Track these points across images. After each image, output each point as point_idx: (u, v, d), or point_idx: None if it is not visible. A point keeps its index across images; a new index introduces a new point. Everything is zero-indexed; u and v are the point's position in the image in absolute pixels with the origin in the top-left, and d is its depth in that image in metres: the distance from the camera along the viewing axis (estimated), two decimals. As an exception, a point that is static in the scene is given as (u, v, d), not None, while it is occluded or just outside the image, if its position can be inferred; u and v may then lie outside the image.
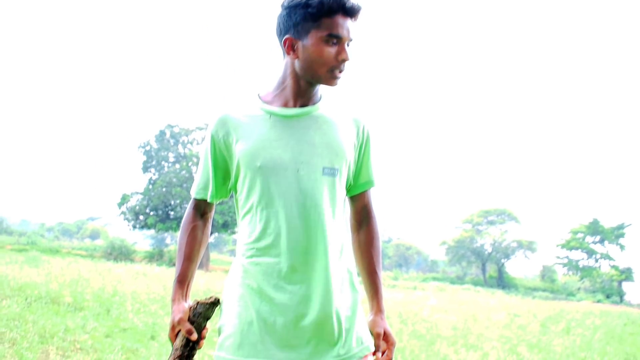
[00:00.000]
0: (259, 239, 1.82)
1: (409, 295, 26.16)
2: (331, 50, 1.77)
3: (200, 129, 47.53)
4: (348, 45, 1.80)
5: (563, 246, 64.54)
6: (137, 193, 47.00)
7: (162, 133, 47.59)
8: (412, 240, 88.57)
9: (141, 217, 46.07)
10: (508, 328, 13.76)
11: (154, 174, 47.36)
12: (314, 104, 1.89)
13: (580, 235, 63.91)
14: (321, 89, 1.93)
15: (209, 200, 1.96)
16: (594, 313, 24.86)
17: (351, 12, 1.77)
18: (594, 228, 63.10)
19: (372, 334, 1.93)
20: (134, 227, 47.13)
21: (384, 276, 57.39)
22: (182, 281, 1.91)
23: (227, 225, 42.90)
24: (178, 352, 1.79)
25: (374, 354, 1.92)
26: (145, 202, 45.85)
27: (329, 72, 1.79)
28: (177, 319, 1.83)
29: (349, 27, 1.78)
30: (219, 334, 1.86)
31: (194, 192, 1.99)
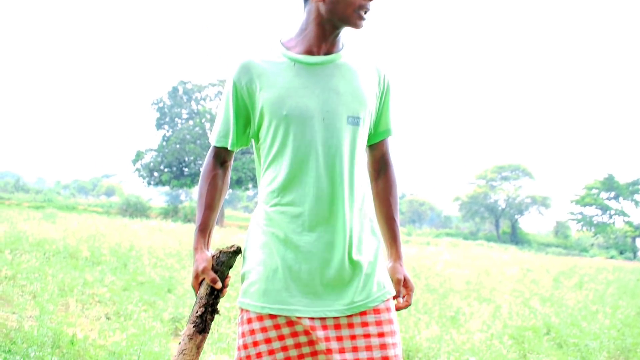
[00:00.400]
0: (283, 187, 1.80)
1: (423, 251, 26.26)
2: None
3: (213, 85, 47.33)
4: None
5: (577, 202, 64.14)
6: (151, 150, 47.03)
7: (175, 90, 47.42)
8: (426, 196, 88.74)
9: (155, 174, 46.22)
10: (521, 282, 13.83)
11: (168, 131, 47.38)
12: (337, 51, 1.85)
13: (594, 191, 63.43)
14: (343, 38, 1.89)
15: (229, 148, 1.91)
16: (606, 268, 24.87)
17: None
18: (609, 184, 62.59)
19: (392, 280, 1.94)
20: (149, 183, 47.34)
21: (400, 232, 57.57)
22: (204, 230, 1.89)
23: (241, 182, 43.01)
24: (203, 301, 1.79)
25: (395, 298, 1.94)
26: (159, 159, 45.94)
27: (355, 12, 1.76)
28: (201, 267, 1.81)
29: None
30: (242, 281, 1.86)
31: (214, 140, 1.93)
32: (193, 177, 44.36)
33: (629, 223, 61.44)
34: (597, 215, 63.60)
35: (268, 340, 1.77)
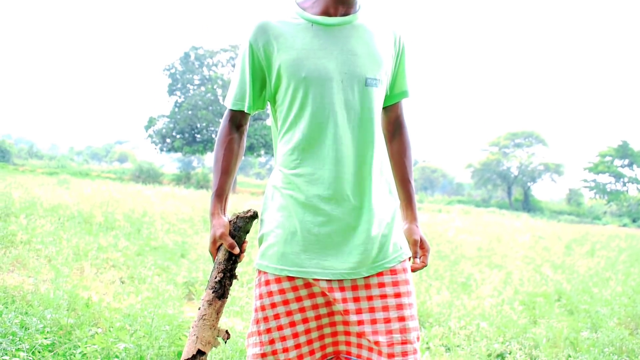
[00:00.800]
0: (303, 150, 1.78)
1: (434, 218, 26.24)
2: None
3: (225, 50, 47.08)
4: None
5: (590, 169, 63.78)
6: (163, 116, 47.00)
7: (187, 55, 47.22)
8: (438, 163, 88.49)
9: (168, 140, 46.26)
10: (532, 249, 13.84)
11: (180, 97, 47.30)
12: (354, 12, 1.84)
13: (608, 158, 62.96)
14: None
15: (246, 110, 1.89)
16: (619, 236, 24.80)
17: None
18: (623, 151, 62.10)
19: (408, 241, 1.96)
20: (161, 150, 47.39)
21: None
22: (220, 195, 1.89)
23: (253, 148, 43.01)
24: (222, 266, 1.79)
25: (411, 259, 1.97)
26: (171, 125, 45.94)
27: None
28: (218, 233, 1.81)
29: None
30: (260, 243, 1.87)
31: (230, 103, 1.91)
32: (205, 144, 44.41)
33: (642, 191, 61.17)
34: (610, 182, 63.29)
35: (286, 302, 1.79)
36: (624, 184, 62.73)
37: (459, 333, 4.92)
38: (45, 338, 3.57)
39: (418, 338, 1.80)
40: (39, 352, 3.37)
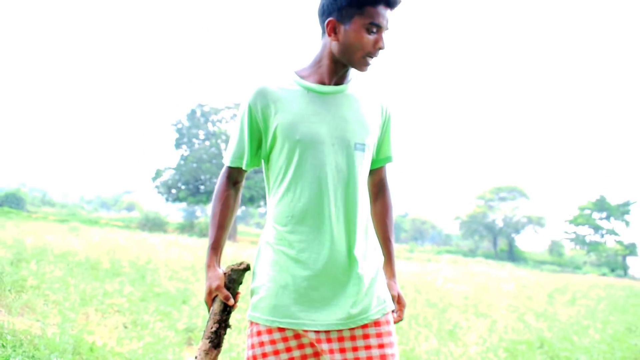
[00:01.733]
0: (294, 207, 1.82)
1: (424, 267, 26.15)
2: (370, 37, 1.78)
3: (229, 108, 47.59)
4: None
5: (571, 222, 64.33)
6: (169, 168, 47.30)
7: (193, 112, 47.74)
8: (428, 215, 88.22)
9: (173, 191, 46.44)
10: (516, 298, 13.74)
11: (186, 150, 47.60)
12: (346, 83, 1.90)
13: (587, 211, 63.55)
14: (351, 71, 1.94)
15: (244, 167, 1.93)
16: (598, 285, 24.71)
17: (393, 4, 1.78)
18: (601, 205, 62.67)
19: (397, 300, 2.01)
20: (167, 200, 47.53)
21: (400, 249, 57.41)
22: (216, 248, 1.91)
23: (254, 199, 43.05)
24: (217, 317, 1.81)
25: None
26: (177, 177, 46.16)
27: (363, 57, 1.81)
28: (214, 285, 1.84)
29: (388, 17, 1.80)
30: (252, 295, 1.88)
31: (229, 161, 1.95)
32: (209, 194, 44.48)
33: (619, 242, 61.56)
34: (589, 234, 63.67)
35: (276, 352, 1.80)
36: (602, 236, 63.07)
37: (446, 379, 4.86)
38: (50, 381, 3.52)
39: None
40: (44, 396, 3.32)
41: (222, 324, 1.81)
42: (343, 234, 1.82)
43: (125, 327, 5.80)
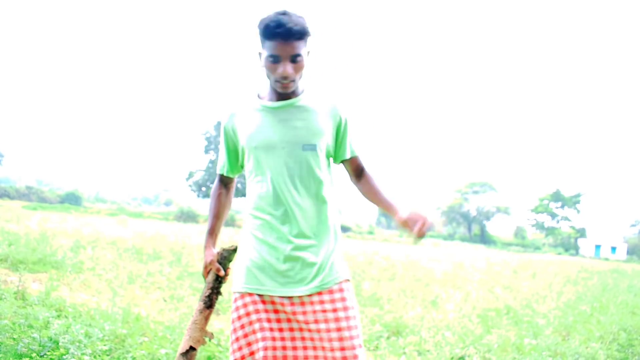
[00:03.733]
0: (257, 199, 1.89)
1: (410, 249, 26.16)
2: (273, 67, 1.75)
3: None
4: (296, 60, 1.74)
5: (532, 210, 64.58)
6: (200, 170, 47.45)
7: (219, 123, 47.51)
8: (414, 206, 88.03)
9: (203, 189, 46.59)
10: (487, 274, 13.71)
11: (213, 155, 47.69)
12: (295, 96, 1.87)
13: (545, 201, 63.76)
14: (303, 85, 1.90)
15: (225, 174, 2.05)
16: (555, 263, 24.67)
17: (287, 37, 1.69)
18: (556, 196, 62.87)
19: (400, 223, 1.82)
20: (198, 196, 47.74)
21: (391, 234, 57.36)
22: (212, 233, 2.03)
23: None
24: (210, 285, 1.92)
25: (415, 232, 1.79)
26: (206, 177, 46.33)
27: (275, 82, 1.79)
28: (208, 260, 1.96)
29: (293, 45, 1.72)
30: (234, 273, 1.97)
31: (218, 169, 2.07)
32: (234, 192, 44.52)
33: (572, 227, 61.93)
34: (547, 221, 63.87)
35: (248, 313, 1.86)
36: (558, 222, 63.24)
37: (429, 341, 4.85)
38: (104, 345, 3.55)
39: (360, 345, 1.81)
40: (99, 357, 3.35)
41: (214, 290, 1.92)
42: (297, 221, 1.85)
43: (165, 301, 5.83)
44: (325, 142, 1.89)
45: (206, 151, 48.17)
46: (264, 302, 1.85)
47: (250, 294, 1.86)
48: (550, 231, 62.60)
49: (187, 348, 1.83)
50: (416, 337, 4.92)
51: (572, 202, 62.17)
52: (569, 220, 62.47)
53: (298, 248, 1.84)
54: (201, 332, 1.87)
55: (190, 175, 47.82)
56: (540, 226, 64.08)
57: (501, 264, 19.12)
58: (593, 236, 61.17)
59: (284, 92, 1.82)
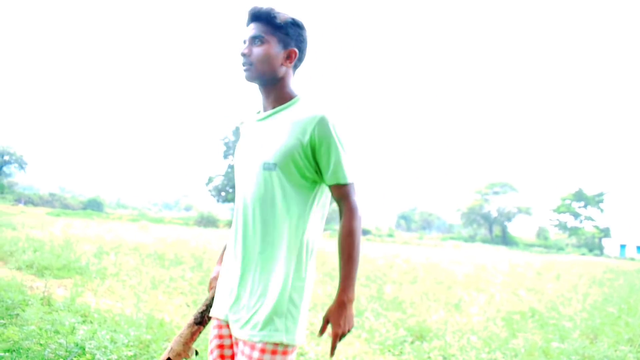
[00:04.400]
0: (231, 222, 1.81)
1: (431, 252, 25.97)
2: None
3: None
4: (255, 42, 1.66)
5: (554, 210, 63.85)
6: (219, 175, 47.74)
7: (237, 128, 48.07)
8: (433, 208, 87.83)
9: (223, 194, 46.90)
10: (510, 276, 13.55)
11: (232, 160, 47.96)
12: (277, 106, 1.70)
13: (568, 201, 63.00)
14: (295, 93, 1.73)
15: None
16: (579, 263, 24.29)
17: (251, 19, 1.68)
18: (579, 195, 62.04)
19: (326, 320, 1.64)
20: (218, 201, 48.06)
21: (411, 237, 57.05)
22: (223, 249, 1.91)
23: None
24: (207, 302, 1.85)
25: (321, 333, 1.67)
26: (225, 182, 46.57)
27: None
28: (213, 276, 1.90)
29: (254, 26, 1.67)
30: None
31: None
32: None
33: (596, 227, 61.07)
34: (570, 221, 63.09)
35: (212, 339, 1.74)
36: (581, 222, 62.45)
37: (454, 345, 4.80)
38: (130, 351, 3.57)
39: None
40: (125, 362, 3.37)
41: (208, 307, 1.83)
42: (250, 248, 1.63)
43: (187, 306, 5.86)
44: (297, 161, 1.60)
45: (225, 156, 48.46)
46: (219, 326, 1.73)
47: (214, 319, 1.76)
48: (573, 231, 61.78)
49: (165, 359, 1.77)
50: (441, 342, 4.87)
51: (595, 201, 61.27)
52: (593, 219, 61.55)
53: (236, 280, 1.65)
54: (184, 346, 1.79)
55: (210, 180, 48.17)
56: (562, 226, 63.28)
57: (524, 265, 18.87)
58: (618, 236, 60.21)
59: (247, 80, 1.69)
